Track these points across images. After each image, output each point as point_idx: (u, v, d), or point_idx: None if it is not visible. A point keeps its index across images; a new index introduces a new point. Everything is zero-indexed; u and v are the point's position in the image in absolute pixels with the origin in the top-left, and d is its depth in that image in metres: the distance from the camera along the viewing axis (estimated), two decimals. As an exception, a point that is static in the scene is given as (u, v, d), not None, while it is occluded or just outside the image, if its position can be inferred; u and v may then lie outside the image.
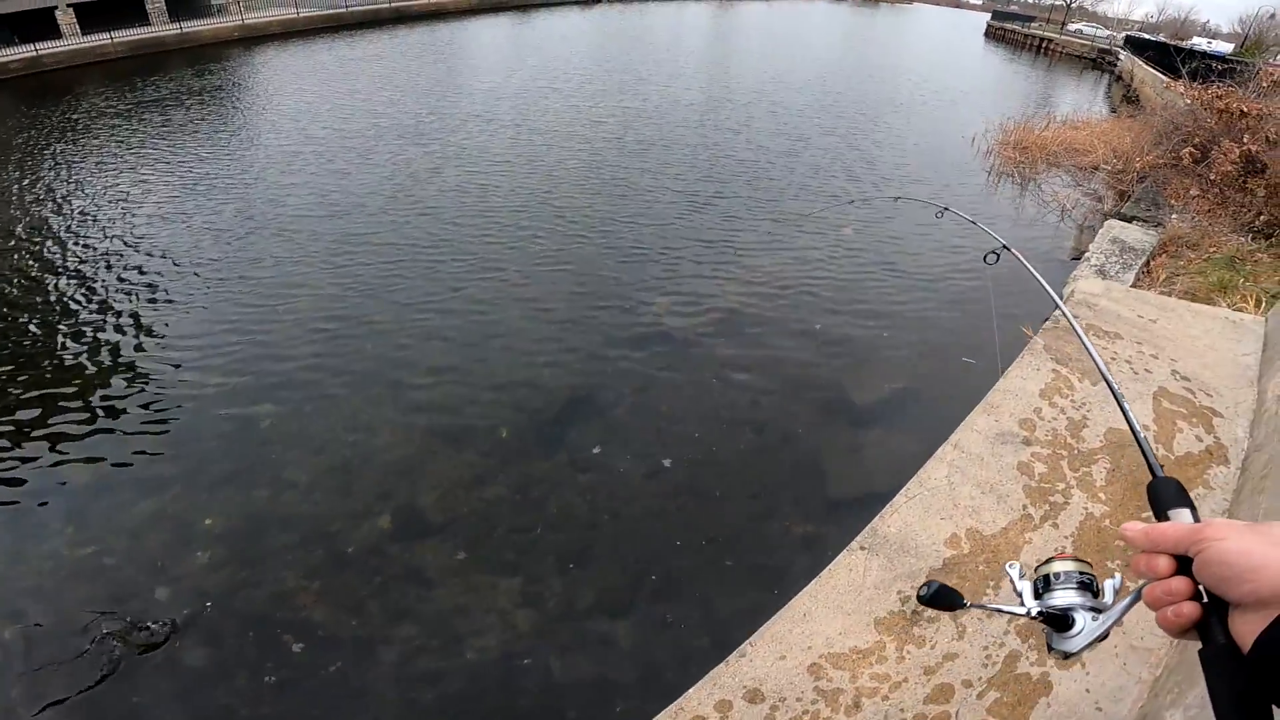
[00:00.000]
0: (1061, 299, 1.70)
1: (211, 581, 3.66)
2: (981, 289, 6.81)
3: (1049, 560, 0.87)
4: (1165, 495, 0.77)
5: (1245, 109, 7.98)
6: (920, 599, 0.92)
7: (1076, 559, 0.86)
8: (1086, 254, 5.90)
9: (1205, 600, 0.64)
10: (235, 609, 3.52)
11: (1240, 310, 5.05)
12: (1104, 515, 2.30)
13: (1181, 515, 0.73)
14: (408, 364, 5.65)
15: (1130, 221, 7.26)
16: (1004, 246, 2.40)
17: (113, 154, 11.10)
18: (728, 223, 8.37)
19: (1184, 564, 0.65)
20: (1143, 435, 0.97)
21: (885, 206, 8.65)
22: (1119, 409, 1.06)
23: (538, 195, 9.20)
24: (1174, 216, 7.51)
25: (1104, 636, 0.81)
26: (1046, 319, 4.53)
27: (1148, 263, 6.12)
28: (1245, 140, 7.48)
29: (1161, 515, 0.76)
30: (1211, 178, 7.70)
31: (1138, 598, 0.73)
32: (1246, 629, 0.59)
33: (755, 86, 16.95)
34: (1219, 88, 9.23)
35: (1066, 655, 0.82)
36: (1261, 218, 6.80)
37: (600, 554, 3.86)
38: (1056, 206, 9.40)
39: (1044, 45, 32.80)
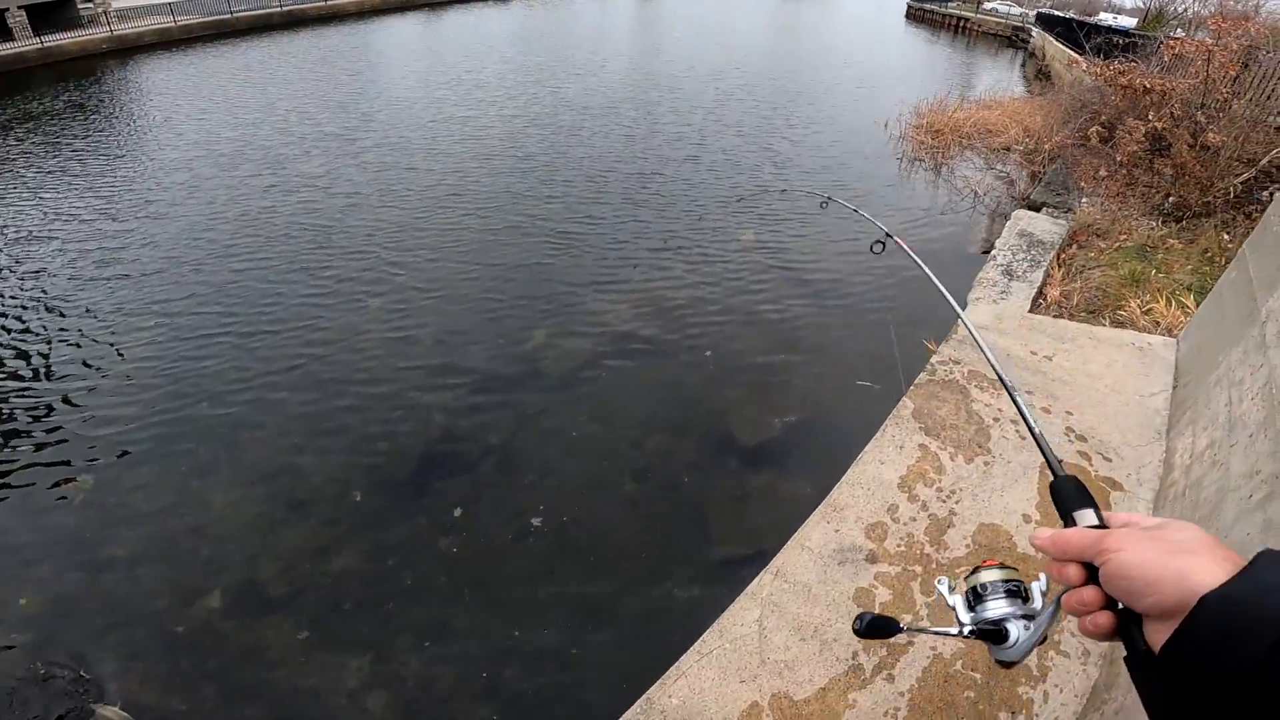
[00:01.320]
0: (964, 307, 1.27)
1: (20, 666, 3.29)
2: (884, 294, 6.32)
3: (975, 570, 0.86)
4: (1067, 496, 0.75)
5: (1148, 85, 7.69)
6: (856, 632, 0.88)
7: (1001, 565, 0.85)
8: (992, 252, 5.42)
9: (1120, 608, 0.62)
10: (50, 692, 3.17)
11: (1150, 309, 4.64)
12: (956, 656, 1.70)
13: (1085, 516, 0.71)
14: (245, 422, 4.87)
15: (1039, 210, 6.86)
16: (887, 235, 2.29)
17: None
18: (622, 235, 7.68)
19: (1094, 571, 0.64)
20: (1039, 432, 0.91)
21: (782, 204, 8.13)
22: (1017, 410, 0.97)
23: (407, 215, 8.33)
24: (1084, 201, 7.15)
25: (1042, 640, 0.80)
26: (945, 338, 4.01)
27: (1059, 254, 5.69)
28: (1150, 118, 7.16)
29: (1066, 517, 0.74)
30: (1119, 159, 7.37)
31: (1059, 605, 0.71)
32: (1156, 638, 0.58)
33: (669, 83, 16.31)
34: (1121, 64, 8.97)
35: (1011, 664, 0.80)
36: (1170, 199, 6.47)
37: (461, 629, 3.45)
38: (969, 193, 9.01)
39: (961, 24, 33.11)
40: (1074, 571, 0.65)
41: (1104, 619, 0.63)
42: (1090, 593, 0.64)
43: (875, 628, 0.88)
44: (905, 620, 1.01)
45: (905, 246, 2.07)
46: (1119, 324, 4.57)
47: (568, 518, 4.08)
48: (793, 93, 15.11)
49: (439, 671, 3.29)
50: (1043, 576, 0.83)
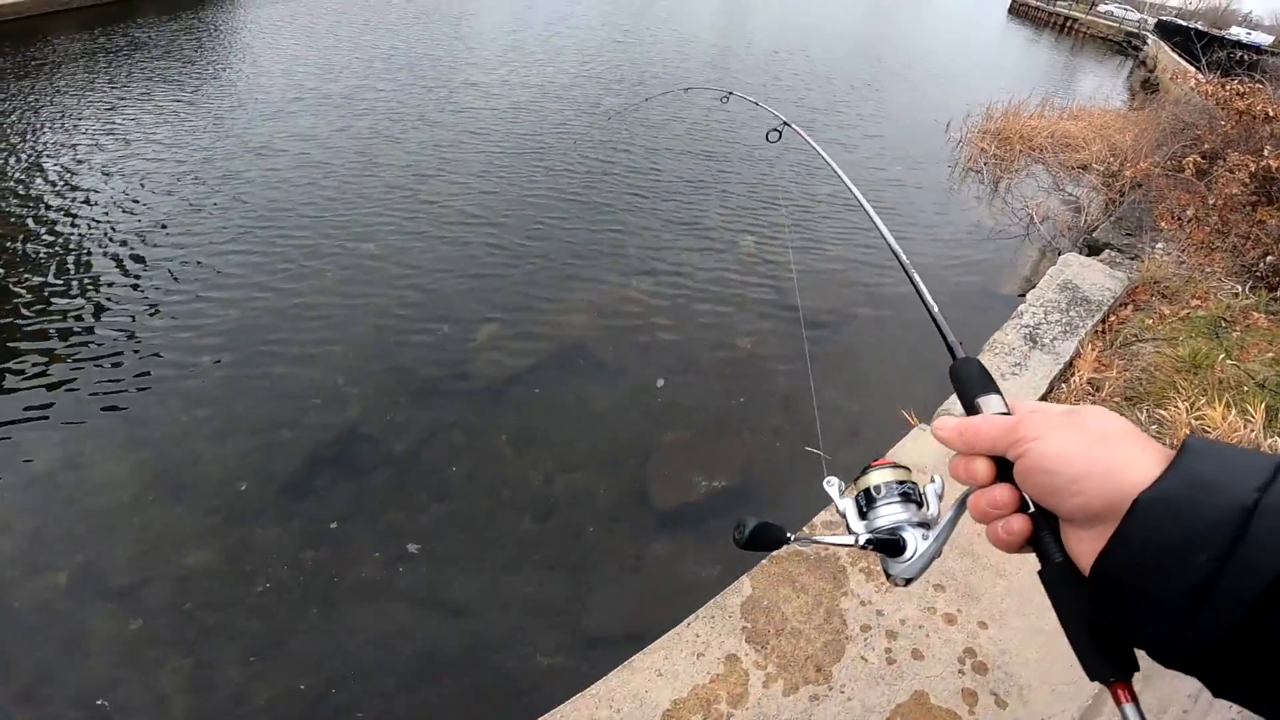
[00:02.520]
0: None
1: None
2: (870, 322, 5.15)
3: (865, 471, 0.77)
4: (969, 380, 0.67)
5: (1271, 112, 6.18)
6: (737, 542, 0.77)
7: (894, 465, 0.76)
8: (1021, 307, 4.20)
9: (1033, 510, 0.56)
10: None
11: (1202, 415, 3.41)
12: None
13: (990, 402, 0.63)
14: (156, 390, 4.37)
15: (1099, 252, 5.54)
16: (785, 123, 2.10)
17: (85, 101, 9.18)
18: (618, 229, 6.63)
19: (1005, 466, 0.57)
20: (936, 311, 0.85)
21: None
22: (915, 288, 0.89)
23: (373, 182, 7.48)
24: (1158, 247, 5.78)
25: (938, 554, 0.72)
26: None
27: (1106, 318, 4.43)
28: (1265, 154, 5.70)
29: (969, 405, 0.65)
30: (1213, 200, 5.93)
31: (963, 507, 0.65)
32: (1081, 547, 0.51)
33: (722, 60, 14.90)
34: (1242, 82, 7.38)
35: (907, 581, 0.73)
36: (1269, 259, 5.07)
37: (295, 651, 3.09)
38: (1024, 217, 7.63)
39: (1068, 25, 30.41)
40: (982, 467, 0.58)
41: (1018, 524, 0.56)
42: (1002, 492, 0.56)
43: (758, 537, 0.76)
44: (794, 530, 0.75)
45: (802, 133, 1.89)
46: (1156, 423, 3.39)
47: (446, 551, 3.50)
48: (849, 85, 13.51)
49: (255, 689, 2.98)
50: (937, 478, 0.76)
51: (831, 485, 0.82)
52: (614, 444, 4.27)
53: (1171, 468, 0.47)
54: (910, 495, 0.74)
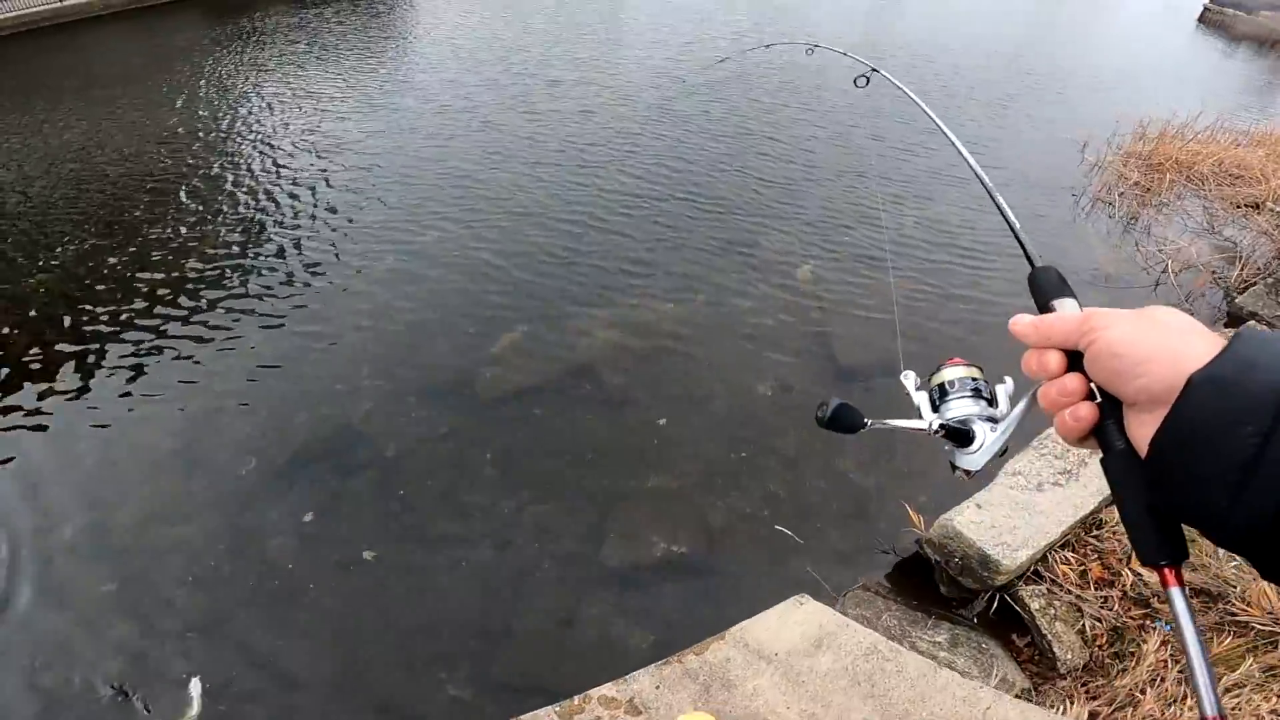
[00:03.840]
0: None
1: None
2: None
3: (939, 368, 0.83)
4: (1047, 284, 0.71)
5: None
6: (819, 421, 0.85)
7: (967, 364, 0.82)
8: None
9: (1099, 400, 0.59)
10: None
11: None
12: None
13: (1065, 305, 0.68)
14: (202, 354, 4.68)
15: (1240, 324, 4.41)
16: (872, 69, 1.98)
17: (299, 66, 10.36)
18: (671, 239, 6.12)
19: (1075, 360, 0.61)
20: (1016, 224, 0.90)
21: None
22: (995, 203, 0.98)
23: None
24: (1324, 325, 4.54)
25: (1004, 451, 0.77)
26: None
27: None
28: None
29: (1043, 307, 0.70)
30: None
31: (1033, 400, 0.68)
32: (1142, 431, 0.55)
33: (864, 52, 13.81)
34: None
35: (969, 473, 0.79)
36: None
37: (232, 638, 3.14)
38: (1158, 264, 6.36)
39: (1274, 40, 26.45)
40: (1054, 359, 0.61)
41: (1085, 410, 0.59)
42: (1073, 380, 0.60)
43: (839, 419, 0.84)
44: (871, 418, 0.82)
45: (891, 78, 1.76)
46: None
47: (404, 562, 3.46)
48: (989, 95, 12.02)
49: (143, 687, 2.94)
50: (1008, 380, 0.81)
51: (908, 378, 0.89)
52: (596, 482, 3.93)
53: (1224, 351, 0.50)
54: (981, 392, 0.79)
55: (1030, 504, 2.86)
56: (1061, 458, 3.04)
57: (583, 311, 4.99)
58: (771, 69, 10.45)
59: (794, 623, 2.40)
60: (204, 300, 5.09)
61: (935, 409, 0.81)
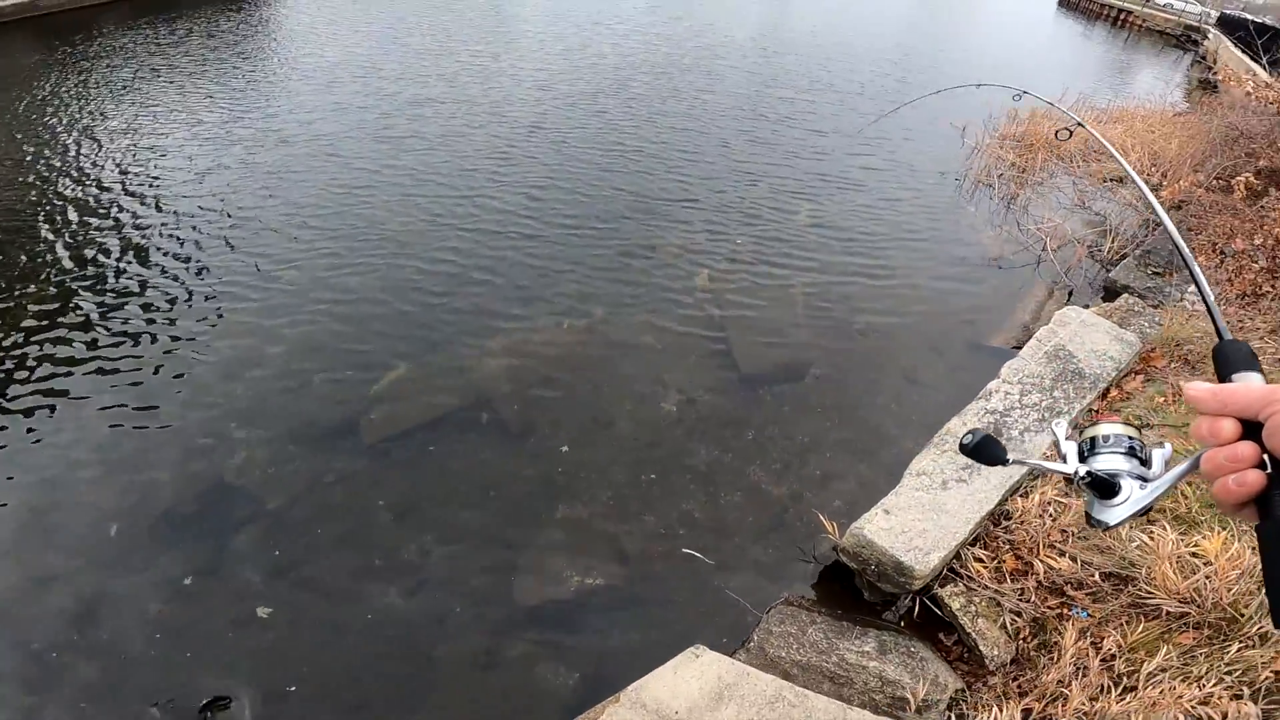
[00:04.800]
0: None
1: None
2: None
3: (1095, 422, 0.81)
4: (1235, 358, 0.71)
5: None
6: (963, 448, 0.87)
7: (1125, 422, 0.81)
8: (986, 390, 3.31)
9: (1270, 470, 0.60)
10: None
11: (1197, 549, 2.57)
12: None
13: (1250, 378, 0.68)
14: (48, 427, 4.08)
15: (1116, 296, 4.59)
16: (1078, 123, 2.13)
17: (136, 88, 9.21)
18: (564, 254, 5.87)
19: (1251, 430, 0.61)
20: (1211, 298, 0.90)
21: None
22: (1189, 272, 0.98)
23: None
24: (1189, 293, 4.79)
25: (1147, 510, 0.76)
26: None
27: (1105, 393, 3.53)
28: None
29: (1226, 379, 0.69)
30: (1259, 239, 4.90)
31: (1194, 465, 0.67)
32: None
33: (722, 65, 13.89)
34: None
35: (1106, 527, 0.78)
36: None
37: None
38: (1037, 242, 6.62)
39: (1122, 17, 28.55)
40: (1229, 426, 0.61)
41: (1253, 478, 0.60)
42: (1246, 448, 0.60)
43: (982, 450, 0.85)
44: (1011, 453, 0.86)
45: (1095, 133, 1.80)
46: (1140, 547, 2.62)
47: (301, 621, 3.15)
48: (875, 90, 12.34)
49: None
50: (1167, 445, 0.79)
51: (1059, 426, 0.88)
52: (501, 518, 3.67)
53: None
54: (1135, 451, 0.77)
55: (938, 504, 2.81)
56: (963, 453, 3.02)
57: (471, 341, 4.69)
58: (656, 80, 10.38)
59: (691, 676, 2.25)
60: (43, 358, 4.48)
61: (1083, 459, 0.79)
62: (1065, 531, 2.90)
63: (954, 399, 3.73)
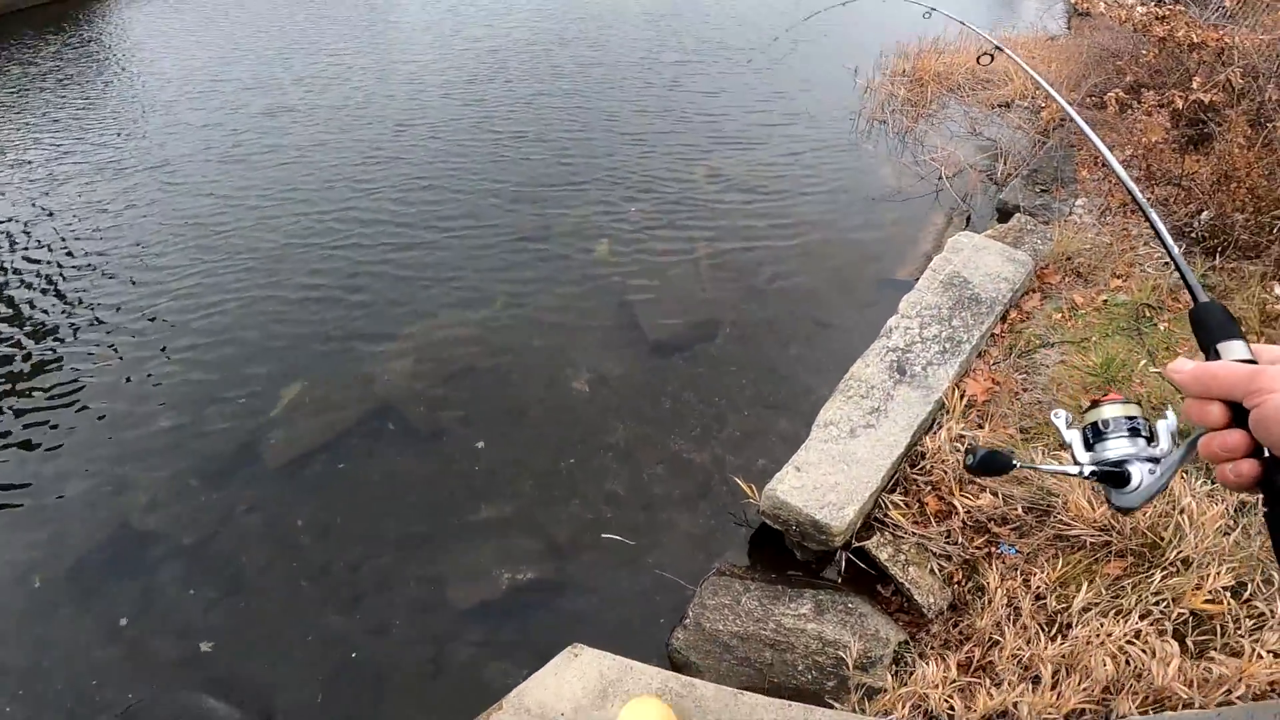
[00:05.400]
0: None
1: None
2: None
3: (1095, 405, 0.79)
4: (1211, 323, 0.66)
5: (1198, 38, 5.30)
6: (968, 468, 0.86)
7: (1125, 400, 0.78)
8: (887, 327, 3.30)
9: (1266, 457, 0.56)
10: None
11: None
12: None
13: (1232, 348, 0.63)
14: None
15: (1009, 217, 4.67)
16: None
17: None
18: (456, 248, 5.54)
19: (1240, 412, 0.57)
20: (1178, 254, 0.84)
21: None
22: (1155, 233, 0.92)
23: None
24: (1078, 205, 4.92)
25: (1164, 489, 0.75)
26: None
27: (1006, 318, 3.57)
28: (1194, 86, 4.83)
29: (1209, 349, 0.65)
30: (1130, 150, 5.06)
31: (1193, 447, 0.65)
32: None
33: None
34: (1159, 3, 6.47)
35: (1127, 511, 0.77)
36: (1203, 216, 4.24)
37: None
38: (933, 172, 6.71)
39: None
40: (1216, 412, 0.58)
41: (1247, 468, 0.57)
42: (1236, 437, 0.57)
43: (988, 464, 0.84)
44: (1019, 457, 0.94)
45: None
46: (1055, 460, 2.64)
47: (243, 648, 3.05)
48: (764, 39, 12.26)
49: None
50: (1170, 415, 0.77)
51: (1059, 417, 0.84)
52: (425, 525, 3.50)
53: None
54: (1139, 430, 0.75)
55: (848, 454, 2.77)
56: (868, 396, 2.98)
57: (366, 351, 4.42)
58: (535, 59, 9.98)
59: (573, 677, 2.17)
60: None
61: (1090, 447, 0.78)
62: None
63: (866, 339, 3.70)
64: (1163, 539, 2.43)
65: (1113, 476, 0.75)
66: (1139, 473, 0.73)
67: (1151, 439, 0.75)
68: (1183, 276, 0.79)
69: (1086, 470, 0.77)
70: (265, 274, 5.15)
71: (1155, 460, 0.74)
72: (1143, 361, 3.13)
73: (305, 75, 9.36)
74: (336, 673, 2.94)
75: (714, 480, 3.60)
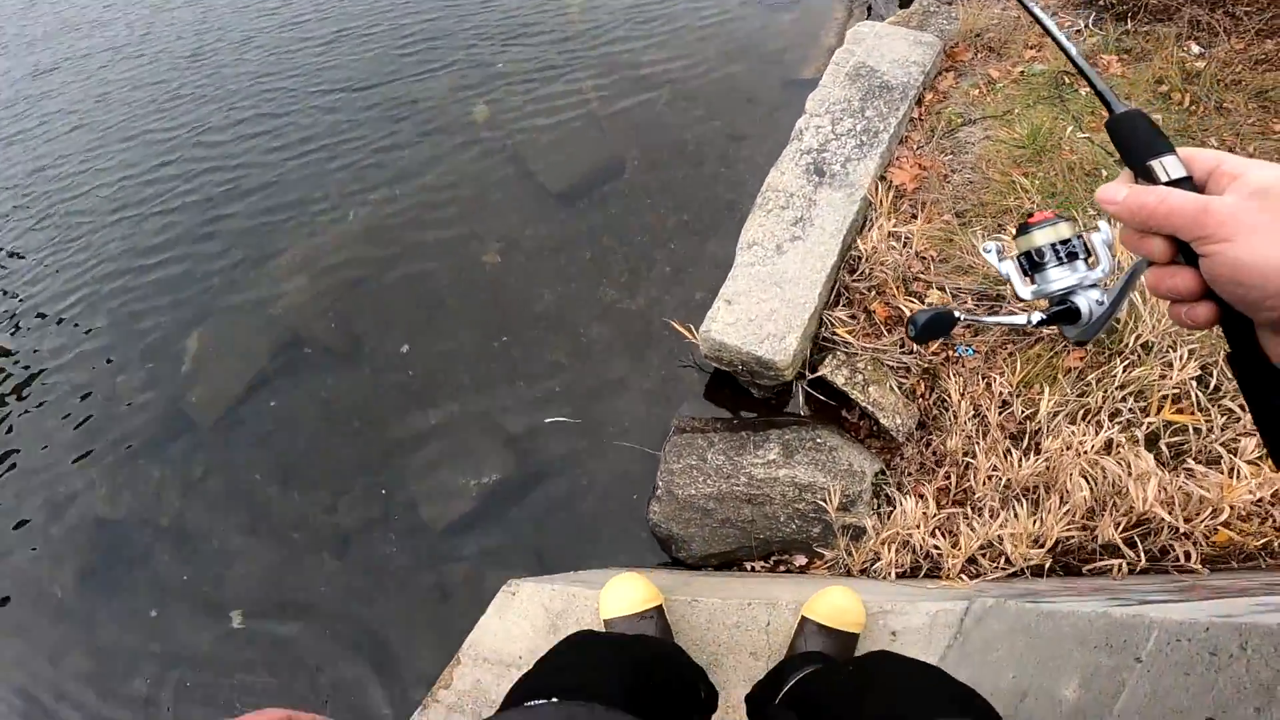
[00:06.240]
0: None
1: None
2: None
3: (1025, 230, 0.72)
4: (1137, 138, 0.57)
5: None
6: (912, 338, 0.81)
7: (1056, 218, 0.72)
8: (797, 130, 3.07)
9: (1221, 302, 0.49)
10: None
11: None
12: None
13: (1166, 166, 0.53)
14: None
15: (910, 3, 4.36)
16: None
17: None
18: (315, 151, 4.91)
19: (1188, 249, 0.50)
20: (1089, 68, 0.68)
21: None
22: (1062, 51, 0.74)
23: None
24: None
25: (1113, 317, 0.74)
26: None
27: (921, 102, 3.39)
28: None
29: (1138, 167, 0.56)
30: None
31: (1136, 275, 0.60)
32: (1277, 350, 0.47)
33: None
34: None
35: (1081, 343, 0.74)
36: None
37: None
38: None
39: None
40: (1159, 247, 0.51)
41: (1203, 311, 0.50)
42: (1186, 278, 0.50)
43: (931, 327, 0.78)
44: (961, 310, 0.84)
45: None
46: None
47: (263, 611, 3.03)
48: None
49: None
50: (1103, 226, 0.72)
51: (990, 252, 0.80)
52: (377, 448, 3.34)
53: None
54: (1076, 254, 0.70)
55: (778, 275, 2.63)
56: (789, 206, 2.80)
57: (253, 280, 3.99)
58: None
59: (518, 617, 2.13)
60: None
61: (1030, 280, 0.73)
62: (924, 258, 2.75)
63: (780, 145, 3.49)
64: (1118, 321, 2.35)
65: (1062, 315, 0.70)
66: (1085, 303, 0.69)
67: (1090, 257, 0.70)
68: (1092, 85, 0.66)
69: (1035, 319, 0.73)
70: (120, 241, 4.50)
71: (1099, 287, 0.70)
72: (1070, 128, 3.02)
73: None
74: (345, 610, 2.93)
75: (654, 326, 3.45)
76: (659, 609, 1.94)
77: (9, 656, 3.08)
